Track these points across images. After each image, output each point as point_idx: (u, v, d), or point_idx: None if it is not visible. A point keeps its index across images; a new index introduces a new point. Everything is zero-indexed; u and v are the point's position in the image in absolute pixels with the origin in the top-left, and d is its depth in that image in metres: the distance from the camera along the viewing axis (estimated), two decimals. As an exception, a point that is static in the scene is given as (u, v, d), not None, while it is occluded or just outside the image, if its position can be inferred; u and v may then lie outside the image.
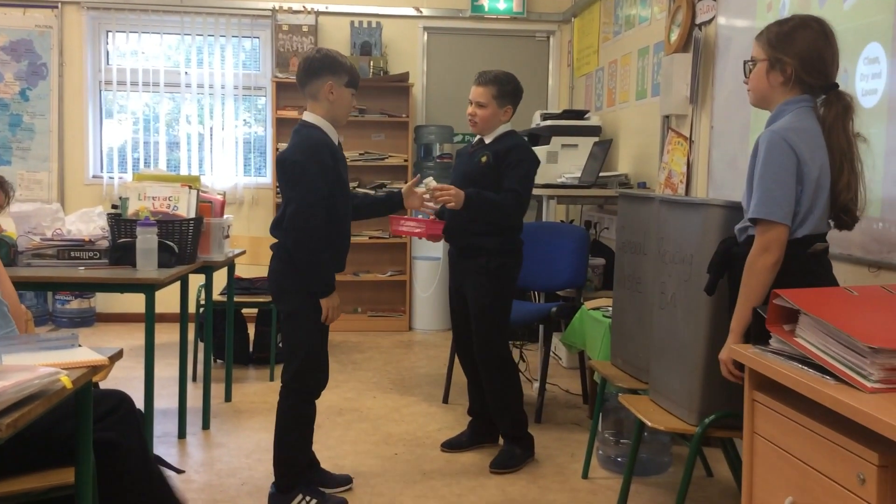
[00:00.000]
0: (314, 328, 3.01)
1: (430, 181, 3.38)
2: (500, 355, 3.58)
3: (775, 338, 1.95)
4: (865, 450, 1.58)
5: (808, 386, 1.72)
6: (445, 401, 4.48)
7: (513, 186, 3.44)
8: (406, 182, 6.41)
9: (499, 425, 3.69)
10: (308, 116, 3.03)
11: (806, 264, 2.21)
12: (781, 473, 1.88)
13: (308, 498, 3.04)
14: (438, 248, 6.39)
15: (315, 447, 3.72)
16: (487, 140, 3.60)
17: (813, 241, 2.21)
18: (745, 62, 2.38)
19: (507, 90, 3.55)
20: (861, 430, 1.57)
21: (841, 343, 1.73)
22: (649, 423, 2.68)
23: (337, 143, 3.07)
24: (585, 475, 3.46)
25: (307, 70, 3.00)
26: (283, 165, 2.95)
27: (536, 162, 3.59)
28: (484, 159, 3.53)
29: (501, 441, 3.69)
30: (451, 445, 3.76)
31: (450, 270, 3.77)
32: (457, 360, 3.94)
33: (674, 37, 4.39)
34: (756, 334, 2.12)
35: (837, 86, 2.25)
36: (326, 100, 3.00)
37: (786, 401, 1.88)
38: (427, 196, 3.39)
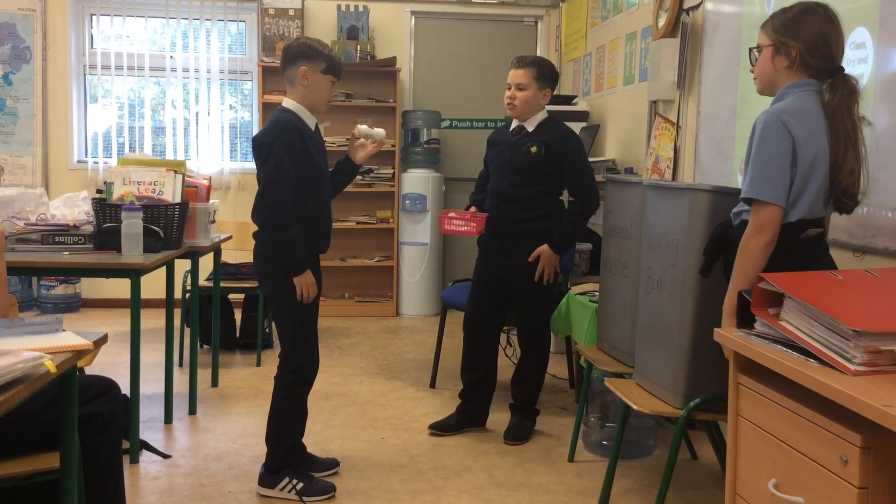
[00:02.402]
0: (298, 307, 3.02)
1: (361, 128, 3.26)
2: (547, 335, 3.80)
3: (760, 321, 1.96)
4: (848, 432, 1.59)
5: (793, 369, 1.73)
6: (432, 386, 4.48)
7: (580, 182, 3.60)
8: (393, 167, 6.46)
9: (520, 399, 3.80)
10: (285, 101, 3.07)
11: (798, 249, 2.21)
12: (765, 456, 1.90)
13: (295, 481, 3.05)
14: (426, 234, 6.38)
15: (302, 432, 3.74)
16: (530, 128, 3.64)
17: (806, 226, 2.22)
18: (750, 49, 2.38)
19: (546, 72, 3.64)
20: (844, 412, 1.58)
21: (825, 326, 1.74)
22: (635, 407, 2.70)
23: (314, 128, 3.07)
24: (572, 458, 3.48)
25: (285, 56, 3.06)
26: (254, 147, 3.02)
27: (582, 141, 3.74)
28: (534, 150, 3.58)
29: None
30: (439, 427, 3.78)
31: (484, 258, 3.78)
32: (444, 344, 3.97)
33: (661, 22, 4.38)
34: (741, 318, 2.13)
35: (843, 69, 2.25)
36: (301, 85, 3.03)
37: (770, 384, 1.90)
38: (363, 140, 3.25)
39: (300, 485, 3.04)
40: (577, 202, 3.64)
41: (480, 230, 3.65)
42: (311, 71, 3.01)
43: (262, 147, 2.95)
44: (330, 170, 3.22)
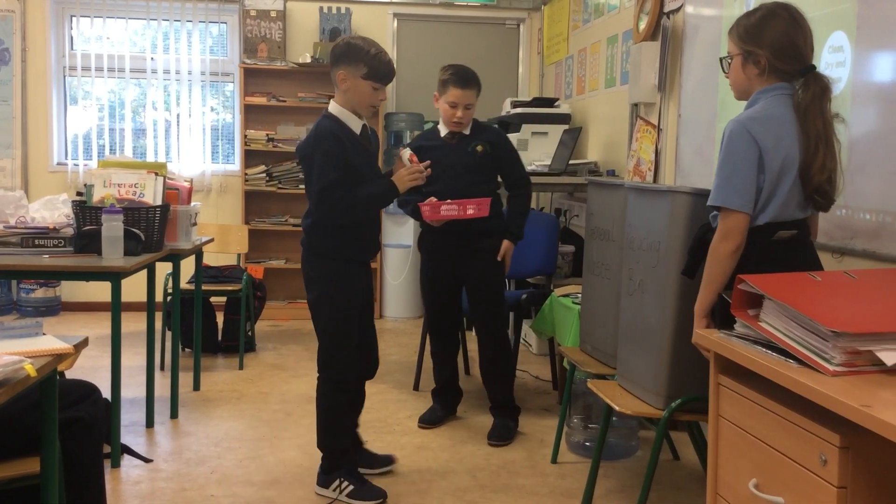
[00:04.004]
0: (335, 314, 3.03)
1: (406, 152, 3.18)
2: (506, 329, 3.90)
3: (740, 322, 1.98)
4: (827, 431, 1.60)
5: (772, 369, 1.75)
6: (416, 388, 4.48)
7: (522, 174, 3.86)
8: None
9: (498, 397, 3.84)
10: (330, 104, 3.04)
11: (771, 252, 2.23)
12: (746, 456, 1.91)
13: (346, 483, 3.06)
14: (409, 236, 6.38)
15: (285, 435, 3.73)
16: (466, 131, 3.76)
17: (777, 228, 2.24)
18: (721, 59, 2.40)
19: (480, 86, 3.77)
20: (823, 412, 1.60)
21: (804, 327, 1.76)
22: (617, 408, 2.71)
23: (359, 131, 3.03)
24: (555, 460, 3.49)
25: (330, 57, 3.03)
26: (299, 159, 3.05)
27: None
28: (480, 149, 3.71)
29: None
30: (428, 422, 3.89)
31: (435, 261, 3.84)
32: (427, 346, 4.00)
33: (642, 25, 4.40)
34: (721, 319, 2.15)
35: (814, 68, 2.26)
36: (340, 88, 2.99)
37: (750, 384, 1.91)
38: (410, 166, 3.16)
39: (349, 487, 3.06)
40: (523, 193, 3.83)
41: (480, 207, 3.61)
42: (350, 75, 2.94)
43: (304, 160, 2.98)
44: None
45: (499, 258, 3.74)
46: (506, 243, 3.75)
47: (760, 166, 2.19)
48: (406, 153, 3.17)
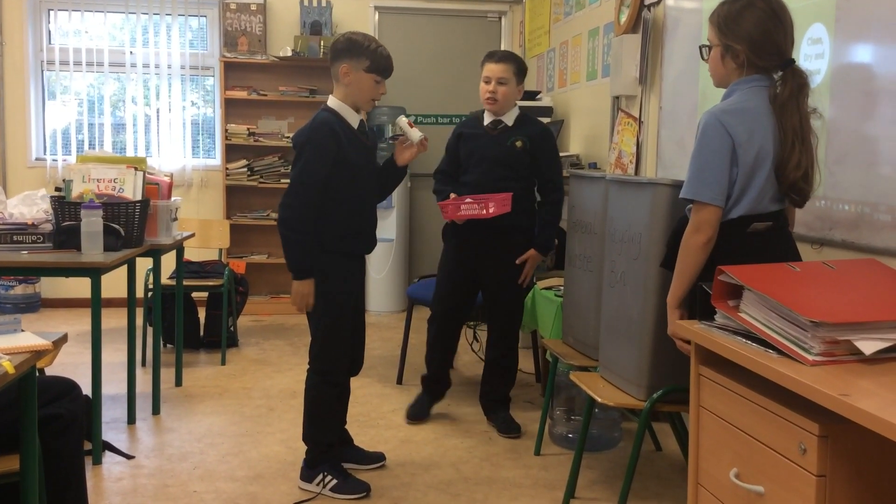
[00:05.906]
0: (327, 308, 3.02)
1: (401, 121, 3.17)
2: (518, 331, 3.87)
3: (720, 313, 1.99)
4: (807, 421, 1.62)
5: (752, 360, 1.76)
6: (399, 382, 4.48)
7: (553, 178, 3.70)
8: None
9: (502, 391, 3.85)
10: (329, 99, 3.04)
11: (748, 244, 2.24)
12: (726, 445, 1.93)
13: (329, 478, 3.06)
14: (392, 230, 6.37)
15: (268, 430, 3.72)
16: (509, 122, 3.68)
17: (752, 220, 2.24)
18: (701, 46, 2.40)
19: (522, 67, 3.70)
20: (802, 401, 1.61)
21: (783, 317, 1.77)
22: (599, 400, 2.72)
23: (357, 126, 3.03)
24: (538, 452, 3.50)
25: (330, 52, 3.04)
26: (293, 147, 3.03)
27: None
28: (520, 144, 3.63)
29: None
30: (415, 417, 3.86)
31: (457, 251, 3.75)
32: (411, 340, 3.97)
33: (623, 18, 4.41)
34: (702, 310, 2.16)
35: (794, 62, 2.25)
36: (342, 83, 3.00)
37: (731, 375, 1.92)
38: (410, 138, 3.13)
39: (333, 481, 3.06)
40: (553, 200, 3.71)
41: (501, 204, 3.53)
42: (353, 68, 2.97)
43: (296, 147, 2.97)
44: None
45: (518, 262, 3.65)
46: (531, 252, 3.67)
47: (734, 159, 2.19)
48: (403, 120, 3.15)
